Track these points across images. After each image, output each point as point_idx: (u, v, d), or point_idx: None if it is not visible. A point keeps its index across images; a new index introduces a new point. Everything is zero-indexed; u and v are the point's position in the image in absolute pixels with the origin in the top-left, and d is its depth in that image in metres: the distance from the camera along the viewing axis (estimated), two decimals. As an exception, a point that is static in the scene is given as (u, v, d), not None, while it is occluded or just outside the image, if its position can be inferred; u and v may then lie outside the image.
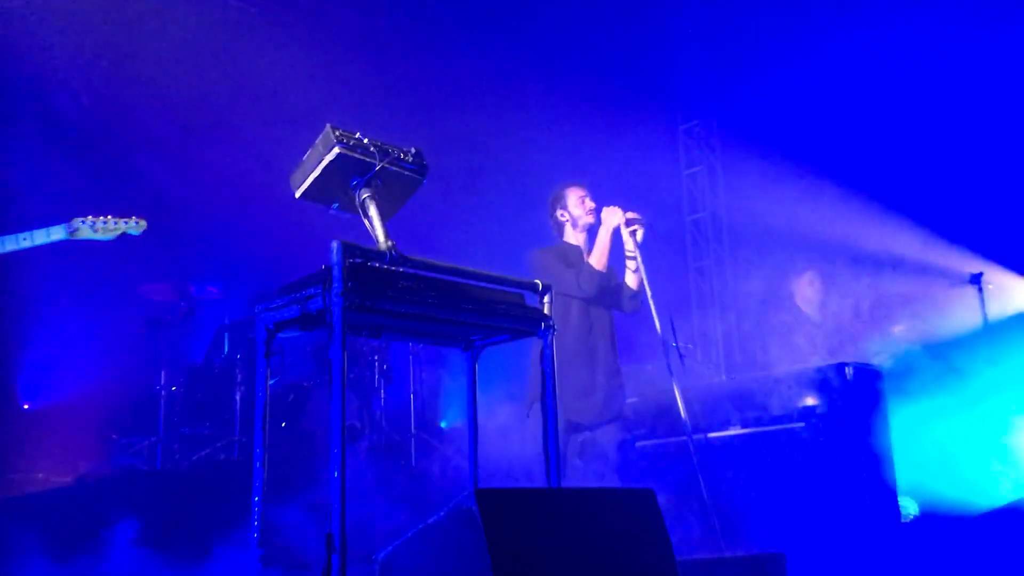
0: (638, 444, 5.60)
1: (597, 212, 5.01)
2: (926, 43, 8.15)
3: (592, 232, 5.01)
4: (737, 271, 10.06)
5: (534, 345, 4.40)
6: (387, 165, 2.93)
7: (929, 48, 8.16)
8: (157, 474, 6.15)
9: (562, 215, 5.10)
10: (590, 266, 4.85)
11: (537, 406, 4.52)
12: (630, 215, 4.90)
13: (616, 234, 4.91)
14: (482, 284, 2.97)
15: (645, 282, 4.88)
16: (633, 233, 4.91)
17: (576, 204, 5.05)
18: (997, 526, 5.05)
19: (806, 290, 6.85)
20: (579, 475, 4.79)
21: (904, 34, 8.20)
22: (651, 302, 4.85)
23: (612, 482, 4.69)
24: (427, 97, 8.29)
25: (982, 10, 7.80)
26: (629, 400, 5.27)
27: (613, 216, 4.88)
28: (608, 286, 4.97)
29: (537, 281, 3.13)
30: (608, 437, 4.86)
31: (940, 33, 8.03)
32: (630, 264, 4.98)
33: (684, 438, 4.70)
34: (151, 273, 6.94)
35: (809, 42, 8.65)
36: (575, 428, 4.78)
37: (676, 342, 4.85)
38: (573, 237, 5.08)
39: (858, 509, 4.83)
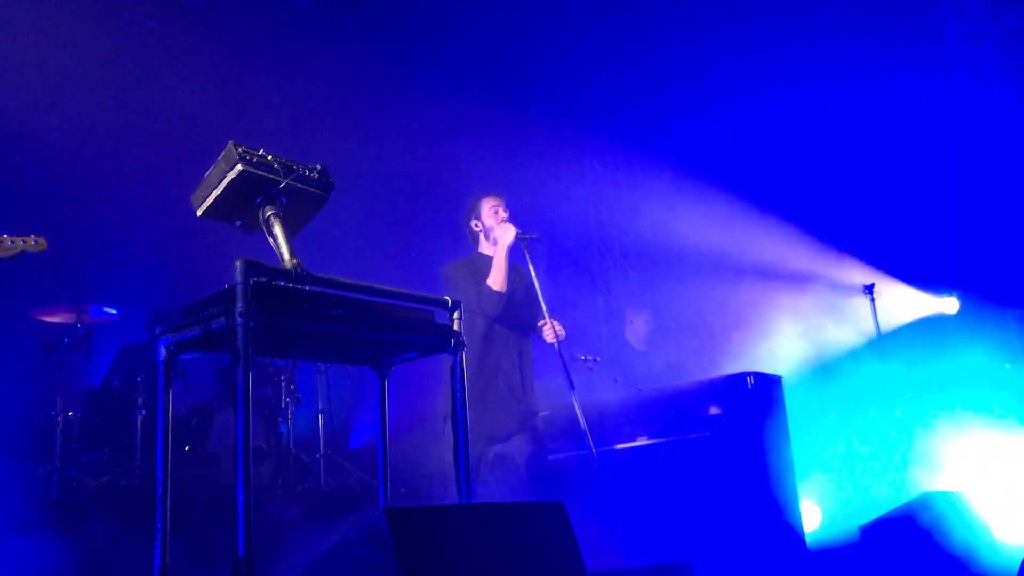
0: (551, 457, 5.63)
1: (512, 222, 5.00)
2: (822, 60, 8.51)
3: None
4: (643, 285, 10.23)
5: (446, 361, 4.39)
6: (291, 182, 2.87)
7: (825, 65, 8.52)
8: (53, 503, 5.89)
9: (476, 225, 5.11)
10: (488, 287, 4.87)
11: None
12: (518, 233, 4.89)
13: (516, 251, 4.92)
14: (390, 301, 2.95)
15: (540, 296, 4.87)
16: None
17: (489, 214, 5.06)
18: (891, 531, 5.25)
19: (640, 327, 7.41)
20: (490, 489, 4.80)
21: (799, 54, 8.54)
22: (546, 316, 4.87)
23: (524, 496, 4.71)
24: (337, 114, 8.22)
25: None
26: (541, 413, 5.31)
27: (507, 234, 4.90)
28: (520, 308, 4.99)
29: (447, 298, 3.13)
30: (519, 450, 4.89)
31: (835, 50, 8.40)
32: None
33: (592, 450, 4.76)
34: (45, 295, 6.67)
35: (706, 61, 8.92)
36: (486, 441, 4.80)
37: (585, 356, 4.88)
38: (488, 248, 5.08)
39: (761, 516, 4.97)
